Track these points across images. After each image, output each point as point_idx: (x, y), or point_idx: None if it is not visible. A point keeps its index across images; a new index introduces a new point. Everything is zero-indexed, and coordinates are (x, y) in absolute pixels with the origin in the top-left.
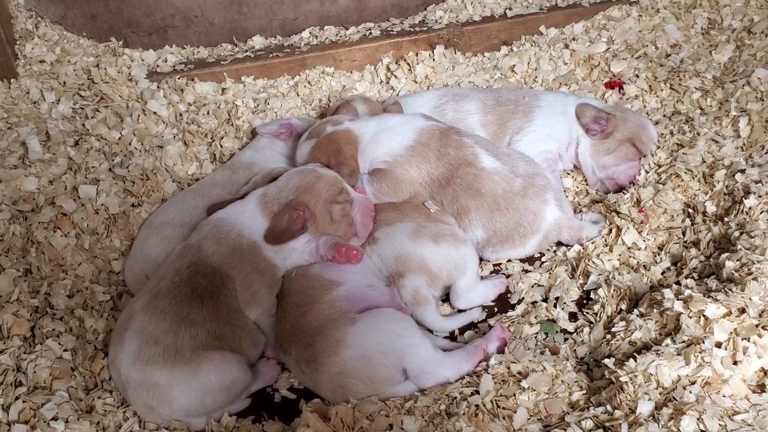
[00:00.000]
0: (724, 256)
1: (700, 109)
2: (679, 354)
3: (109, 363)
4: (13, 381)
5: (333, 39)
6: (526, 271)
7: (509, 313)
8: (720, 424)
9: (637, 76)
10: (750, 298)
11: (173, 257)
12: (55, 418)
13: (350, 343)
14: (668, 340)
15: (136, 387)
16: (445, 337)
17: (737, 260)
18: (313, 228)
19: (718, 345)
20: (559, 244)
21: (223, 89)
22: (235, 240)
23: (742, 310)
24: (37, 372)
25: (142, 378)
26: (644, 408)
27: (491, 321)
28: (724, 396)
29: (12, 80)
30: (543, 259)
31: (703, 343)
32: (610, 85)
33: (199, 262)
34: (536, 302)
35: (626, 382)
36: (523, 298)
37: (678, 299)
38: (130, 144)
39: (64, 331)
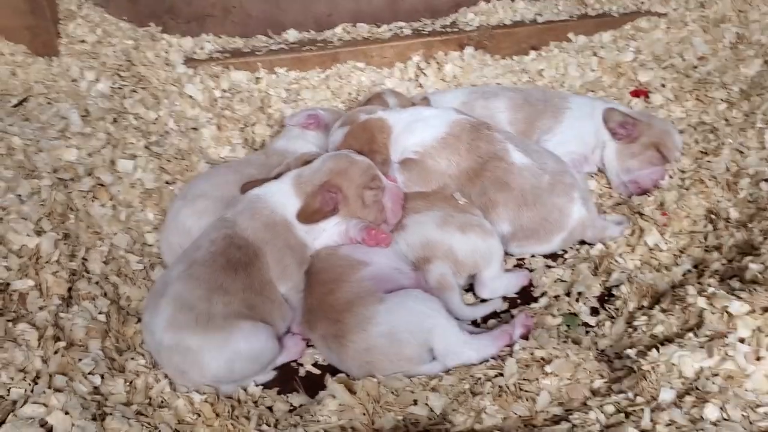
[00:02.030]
0: (747, 259)
1: (725, 120)
2: (701, 347)
3: (143, 327)
4: (53, 335)
5: (365, 36)
6: (549, 267)
7: (532, 305)
8: (743, 414)
9: (663, 85)
10: None
11: (209, 229)
12: (92, 373)
13: (379, 321)
14: (690, 334)
15: (168, 350)
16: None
17: (761, 263)
18: (344, 211)
19: (741, 340)
20: (582, 242)
21: (257, 78)
22: (269, 216)
23: (766, 309)
24: (74, 330)
25: (175, 342)
26: (667, 395)
27: (514, 312)
28: (746, 390)
29: (54, 58)
30: (566, 256)
31: (727, 337)
32: (635, 94)
33: (233, 235)
34: (558, 296)
35: (648, 371)
36: (545, 291)
37: (701, 296)
38: (166, 125)
39: (99, 295)
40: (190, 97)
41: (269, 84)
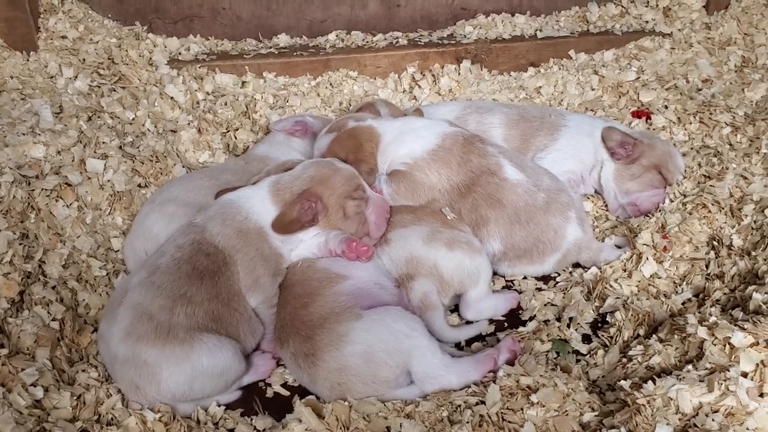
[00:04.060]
0: (751, 288)
1: (729, 144)
2: (701, 380)
3: (98, 336)
4: None
5: (359, 44)
6: (540, 290)
7: (520, 329)
8: None
9: (666, 107)
10: None
11: (176, 234)
12: (34, 385)
13: (353, 339)
14: (689, 367)
15: (123, 363)
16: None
17: (766, 293)
18: (324, 222)
19: (744, 375)
20: (576, 265)
21: (243, 83)
22: (241, 223)
23: None
24: (21, 337)
25: (131, 354)
26: None
27: (500, 335)
28: (747, 429)
29: (32, 53)
30: (558, 279)
31: (728, 371)
32: (637, 114)
33: (202, 241)
34: (548, 321)
35: (643, 404)
36: (535, 315)
37: (702, 326)
38: (143, 125)
39: (54, 300)
40: (171, 98)
41: (256, 89)
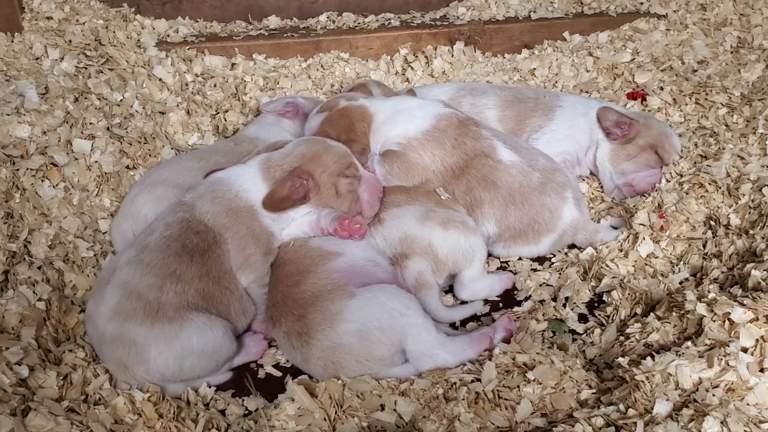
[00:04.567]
0: (749, 266)
1: (726, 125)
2: (701, 356)
3: (86, 316)
4: None
5: (351, 25)
6: (535, 270)
7: (515, 309)
8: (745, 430)
9: (662, 88)
10: None
11: (165, 213)
12: (19, 363)
13: (347, 317)
14: (688, 343)
15: (111, 342)
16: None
17: (765, 270)
18: (315, 200)
19: (744, 350)
20: (571, 246)
21: (233, 64)
22: (232, 201)
23: None
24: (6, 317)
25: (119, 333)
26: (662, 408)
27: (495, 315)
28: (748, 404)
29: (16, 34)
30: (553, 260)
31: (728, 346)
32: (632, 96)
33: (191, 219)
34: (544, 301)
35: (642, 381)
36: (530, 295)
37: (701, 302)
38: (131, 107)
39: (40, 281)
40: (160, 79)
41: (246, 70)
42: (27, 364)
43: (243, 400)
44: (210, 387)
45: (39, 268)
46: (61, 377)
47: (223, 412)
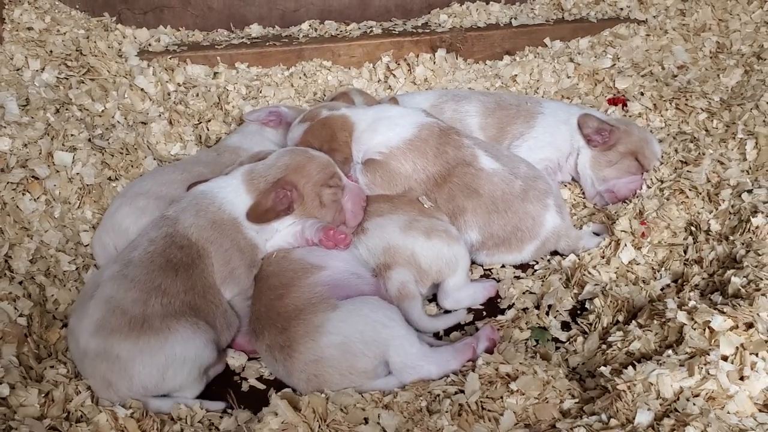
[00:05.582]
0: (730, 272)
1: (706, 130)
2: (681, 365)
3: (68, 332)
4: None
5: (333, 33)
6: (518, 278)
7: (498, 318)
8: None
9: (642, 94)
10: (758, 314)
11: (148, 227)
12: (0, 382)
13: (329, 330)
14: (669, 351)
15: (94, 358)
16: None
17: (744, 276)
18: (299, 210)
19: (724, 358)
20: (554, 253)
21: (215, 73)
22: (215, 214)
23: (750, 325)
24: None
25: (103, 348)
26: (643, 418)
27: (479, 324)
28: (729, 412)
29: None
30: (536, 267)
31: (708, 355)
32: (613, 102)
33: (175, 234)
34: (527, 309)
35: (624, 390)
36: (513, 303)
37: (681, 310)
38: (113, 117)
39: (21, 296)
40: (141, 89)
41: (228, 79)
42: (8, 383)
43: (226, 414)
44: (195, 400)
45: (20, 283)
46: (43, 395)
47: (206, 427)
